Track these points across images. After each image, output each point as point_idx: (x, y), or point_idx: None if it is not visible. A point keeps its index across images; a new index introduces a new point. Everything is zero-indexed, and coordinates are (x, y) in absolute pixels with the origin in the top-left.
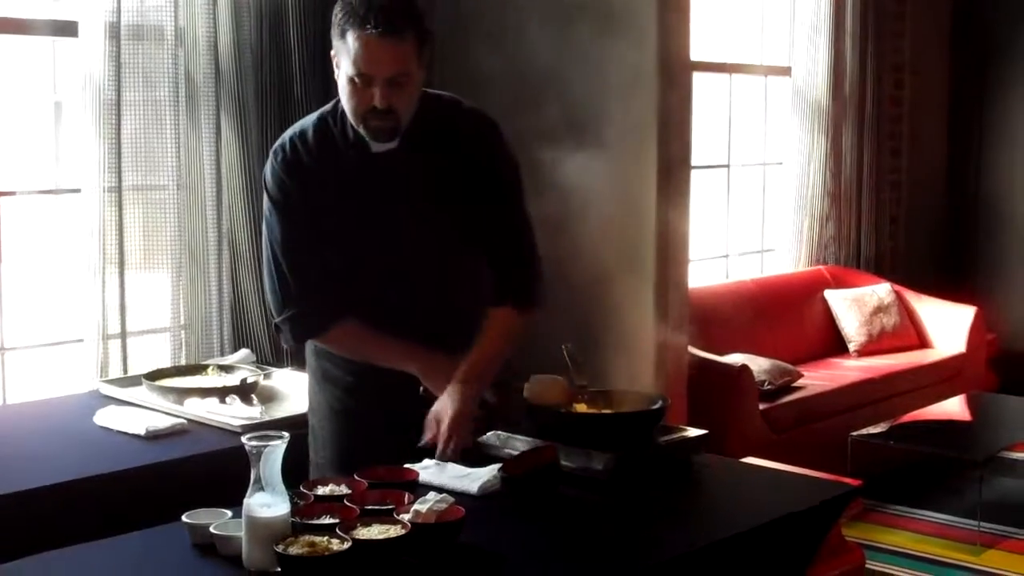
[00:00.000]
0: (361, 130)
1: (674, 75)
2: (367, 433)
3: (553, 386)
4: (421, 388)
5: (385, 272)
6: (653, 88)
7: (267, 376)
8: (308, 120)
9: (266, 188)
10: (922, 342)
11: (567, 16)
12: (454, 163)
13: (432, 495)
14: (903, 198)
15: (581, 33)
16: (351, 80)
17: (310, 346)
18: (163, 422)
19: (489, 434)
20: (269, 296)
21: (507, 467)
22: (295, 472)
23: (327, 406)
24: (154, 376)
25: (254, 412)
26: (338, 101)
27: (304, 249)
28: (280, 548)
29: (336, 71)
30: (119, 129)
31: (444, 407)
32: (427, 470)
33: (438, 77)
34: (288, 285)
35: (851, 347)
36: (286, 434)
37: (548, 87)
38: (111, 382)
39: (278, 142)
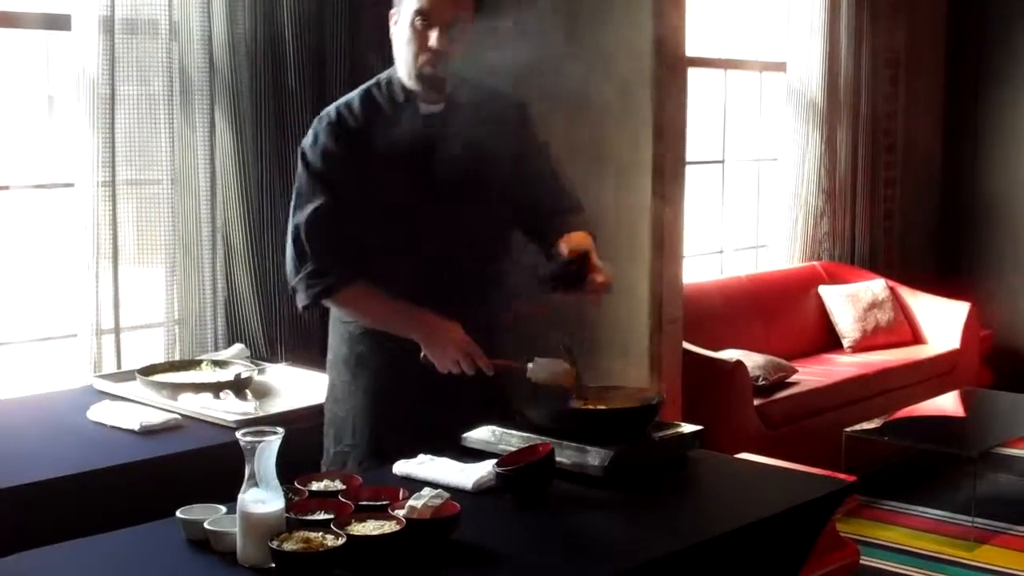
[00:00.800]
0: (412, 80)
1: (670, 71)
2: (402, 414)
3: (557, 368)
4: (422, 355)
5: (431, 236)
6: (648, 84)
7: (261, 371)
8: (352, 94)
9: (304, 156)
10: (916, 338)
11: (564, 9)
12: (494, 127)
13: (427, 491)
14: (897, 194)
15: (578, 25)
16: (412, 22)
17: (342, 333)
18: (157, 417)
19: (484, 429)
20: (288, 264)
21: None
22: (289, 468)
23: (362, 391)
24: (148, 371)
25: (248, 407)
26: (379, 77)
27: (331, 217)
28: (275, 544)
29: (392, 29)
30: (113, 123)
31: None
32: (422, 465)
33: None
34: (304, 249)
35: (845, 343)
36: (280, 430)
37: (543, 82)
38: (105, 377)
39: (323, 112)
